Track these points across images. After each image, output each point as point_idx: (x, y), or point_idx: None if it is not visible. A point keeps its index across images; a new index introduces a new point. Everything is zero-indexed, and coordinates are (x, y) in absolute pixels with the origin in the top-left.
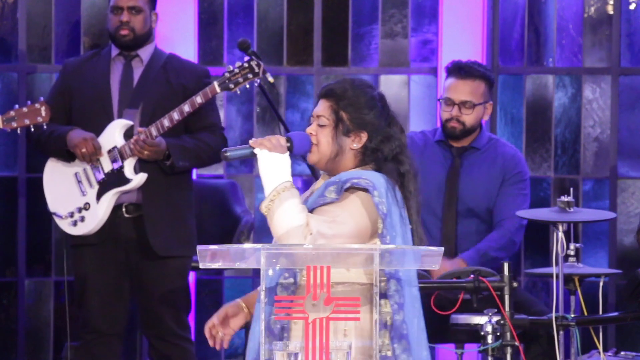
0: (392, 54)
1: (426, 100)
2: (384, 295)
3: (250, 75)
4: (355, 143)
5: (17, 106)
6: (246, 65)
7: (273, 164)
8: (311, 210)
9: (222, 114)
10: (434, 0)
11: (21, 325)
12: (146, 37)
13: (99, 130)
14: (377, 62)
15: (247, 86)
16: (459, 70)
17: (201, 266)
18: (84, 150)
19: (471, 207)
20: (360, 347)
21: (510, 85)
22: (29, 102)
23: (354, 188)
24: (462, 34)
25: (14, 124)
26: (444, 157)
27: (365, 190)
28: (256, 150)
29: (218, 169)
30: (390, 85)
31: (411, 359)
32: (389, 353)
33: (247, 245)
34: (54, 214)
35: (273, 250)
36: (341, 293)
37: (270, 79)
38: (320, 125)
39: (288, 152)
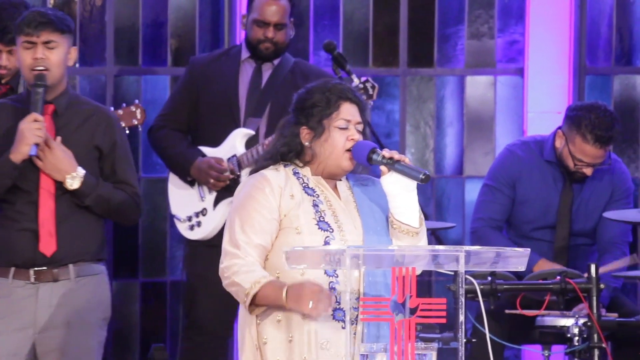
0: (478, 55)
1: (512, 102)
2: None
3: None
4: None
5: (112, 108)
6: (361, 86)
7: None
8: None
9: None
10: (520, 0)
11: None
12: (286, 48)
13: (224, 134)
14: (463, 63)
15: None
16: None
17: (287, 267)
18: (212, 181)
19: (582, 227)
20: None
21: (597, 86)
22: (124, 104)
23: None
24: (549, 34)
25: None
26: (554, 178)
27: None
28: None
29: None
30: (477, 87)
31: None
32: None
33: (333, 247)
34: (174, 216)
35: (358, 252)
36: None
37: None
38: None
39: None
